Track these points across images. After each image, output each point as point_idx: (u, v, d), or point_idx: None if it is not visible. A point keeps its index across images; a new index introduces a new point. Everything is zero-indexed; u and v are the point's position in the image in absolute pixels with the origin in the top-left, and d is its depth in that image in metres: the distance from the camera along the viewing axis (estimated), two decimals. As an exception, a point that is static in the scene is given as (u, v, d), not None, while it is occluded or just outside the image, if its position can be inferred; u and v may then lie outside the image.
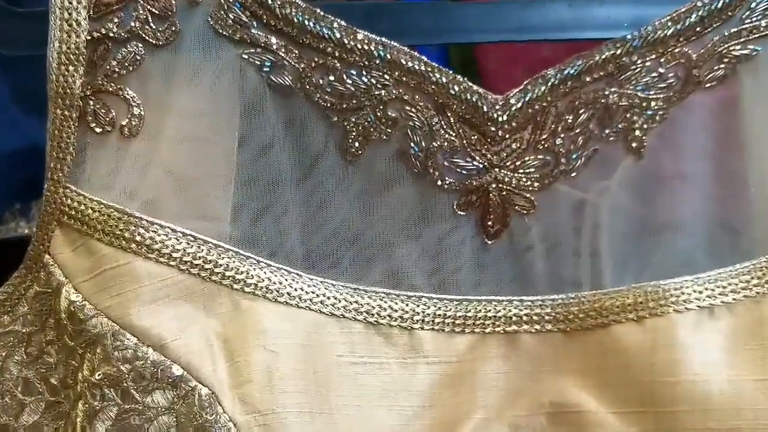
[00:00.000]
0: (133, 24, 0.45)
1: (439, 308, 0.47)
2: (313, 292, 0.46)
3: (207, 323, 0.44)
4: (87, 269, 0.45)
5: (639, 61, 0.45)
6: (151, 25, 0.45)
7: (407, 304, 0.47)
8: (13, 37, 0.47)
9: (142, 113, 0.46)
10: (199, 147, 0.46)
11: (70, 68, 0.45)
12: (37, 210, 0.79)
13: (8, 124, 0.81)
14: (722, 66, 0.46)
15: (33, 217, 0.81)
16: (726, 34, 0.46)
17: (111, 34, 0.45)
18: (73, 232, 0.46)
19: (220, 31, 0.45)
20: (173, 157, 0.45)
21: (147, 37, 0.45)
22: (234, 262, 0.45)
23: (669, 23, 0.45)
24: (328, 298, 0.46)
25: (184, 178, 0.45)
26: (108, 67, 0.45)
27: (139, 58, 0.45)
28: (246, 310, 0.45)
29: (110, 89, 0.45)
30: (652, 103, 0.46)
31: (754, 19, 0.45)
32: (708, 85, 0.46)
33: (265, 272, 0.46)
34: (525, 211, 0.47)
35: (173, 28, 0.45)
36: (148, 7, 0.45)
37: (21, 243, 0.76)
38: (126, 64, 0.45)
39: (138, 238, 0.45)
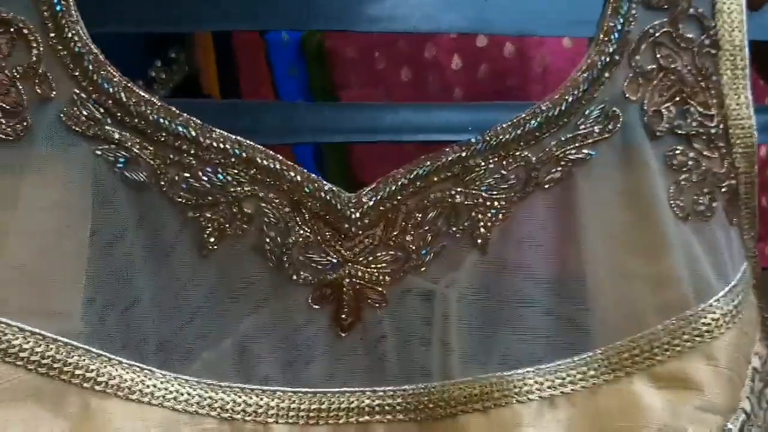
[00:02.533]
0: None
1: (294, 401, 0.48)
2: (165, 389, 0.46)
3: (56, 424, 0.44)
4: None
5: (482, 163, 0.48)
6: (1, 120, 0.45)
7: (261, 398, 0.47)
8: None
9: None
10: (50, 242, 0.45)
11: None
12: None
13: None
14: (559, 168, 0.49)
15: None
16: (563, 139, 0.49)
17: None
18: None
19: (73, 126, 0.45)
20: (22, 252, 0.45)
21: None
22: (84, 360, 0.45)
23: (510, 128, 0.48)
24: (182, 394, 0.46)
25: (32, 273, 0.45)
26: None
27: None
28: (95, 410, 0.44)
29: None
30: (495, 203, 0.48)
31: (588, 125, 0.49)
32: (546, 186, 0.49)
33: (116, 369, 0.45)
34: (377, 305, 0.48)
35: (24, 123, 0.45)
36: None
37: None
38: None
39: None
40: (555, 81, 0.83)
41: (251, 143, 0.47)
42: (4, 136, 0.45)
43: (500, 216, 0.49)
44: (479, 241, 0.49)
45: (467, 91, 0.84)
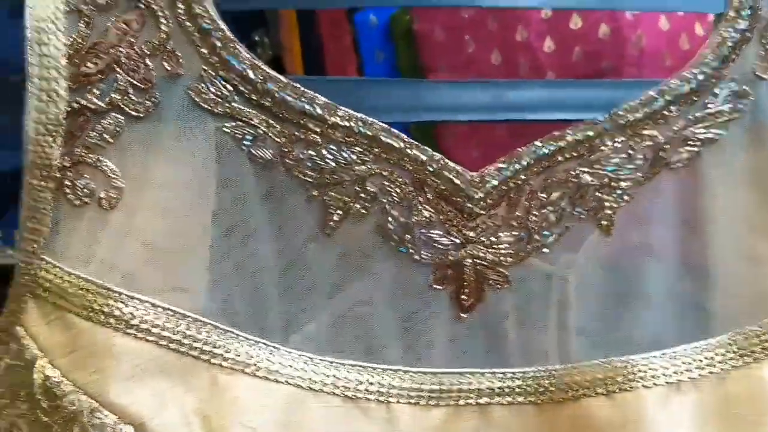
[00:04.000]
0: (113, 95, 0.45)
1: (414, 382, 0.47)
2: (291, 366, 0.46)
3: (185, 400, 0.44)
4: (63, 344, 0.44)
5: (609, 143, 0.47)
6: (131, 96, 0.45)
7: (383, 378, 0.47)
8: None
9: (121, 185, 0.45)
10: (177, 219, 0.45)
11: (48, 139, 0.44)
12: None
13: None
14: (688, 148, 0.48)
15: None
16: (691, 118, 0.48)
17: (91, 106, 0.45)
18: (48, 305, 0.45)
19: (201, 103, 0.45)
20: (151, 229, 0.45)
21: (127, 109, 0.45)
22: (212, 336, 0.45)
23: (638, 107, 0.47)
24: (306, 372, 0.46)
25: (161, 250, 0.45)
26: (87, 138, 0.45)
27: (118, 129, 0.45)
28: (224, 386, 0.44)
29: (89, 161, 0.45)
30: (621, 183, 0.47)
31: (718, 104, 0.48)
32: (674, 166, 0.48)
33: (243, 346, 0.46)
34: (499, 286, 0.47)
35: (153, 100, 0.45)
36: (128, 78, 0.45)
37: None
38: (105, 135, 0.45)
39: (117, 313, 0.44)
40: (651, 63, 0.81)
41: (375, 121, 0.47)
42: (134, 112, 0.45)
43: (626, 197, 0.48)
44: (604, 222, 0.48)
45: (560, 73, 0.83)
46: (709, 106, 0.48)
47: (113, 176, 0.45)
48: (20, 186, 0.81)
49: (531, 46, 0.81)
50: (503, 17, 0.80)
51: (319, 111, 0.46)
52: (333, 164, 0.46)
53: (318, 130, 0.46)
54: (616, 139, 0.47)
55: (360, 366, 0.47)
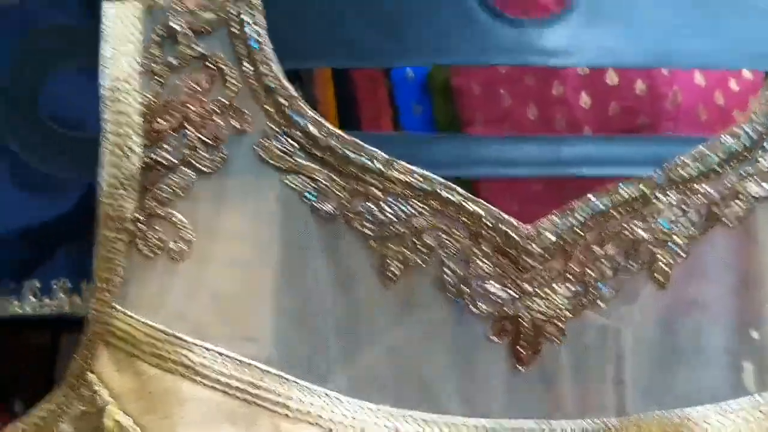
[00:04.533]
0: (184, 151, 0.47)
1: None
2: (352, 417, 0.47)
3: None
4: (133, 390, 0.45)
5: (663, 198, 0.48)
6: (201, 152, 0.47)
7: (441, 428, 0.48)
8: (63, 161, 0.48)
9: (191, 238, 0.46)
10: (244, 271, 0.47)
11: (122, 192, 0.46)
12: (30, 290, 0.79)
13: (5, 204, 0.81)
14: (740, 204, 0.48)
15: (24, 297, 0.81)
16: (743, 173, 0.49)
17: (163, 161, 0.46)
18: (119, 353, 0.46)
19: (267, 159, 0.47)
20: (219, 280, 0.46)
21: (196, 164, 0.47)
22: (276, 385, 0.46)
23: (691, 162, 0.48)
24: (366, 422, 0.47)
25: (228, 301, 0.46)
26: (159, 192, 0.46)
27: (189, 183, 0.47)
28: None
29: (161, 214, 0.46)
30: (676, 238, 0.48)
31: None
32: (727, 222, 0.48)
33: (305, 395, 0.46)
34: (555, 339, 0.48)
35: (221, 156, 0.47)
36: (198, 135, 0.47)
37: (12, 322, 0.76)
38: (176, 189, 0.46)
39: (186, 361, 0.45)
40: (687, 119, 0.82)
41: (434, 176, 0.48)
42: (203, 168, 0.47)
43: (680, 252, 0.49)
44: (659, 276, 0.49)
45: (596, 129, 0.84)
46: (760, 161, 0.49)
47: (183, 228, 0.46)
48: (57, 236, 0.83)
49: (567, 102, 0.82)
50: (540, 73, 0.82)
51: (379, 166, 0.47)
52: (392, 217, 0.47)
53: (378, 184, 0.47)
54: (670, 195, 0.48)
55: (420, 418, 0.48)
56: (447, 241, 0.48)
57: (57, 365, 0.90)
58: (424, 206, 0.47)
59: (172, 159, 0.47)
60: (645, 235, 0.48)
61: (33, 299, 0.84)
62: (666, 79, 0.82)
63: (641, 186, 0.48)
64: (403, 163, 0.48)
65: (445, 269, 0.48)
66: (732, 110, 0.85)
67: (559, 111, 0.84)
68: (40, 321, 0.85)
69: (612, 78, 0.83)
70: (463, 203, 0.47)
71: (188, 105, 0.47)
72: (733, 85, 0.85)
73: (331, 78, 0.95)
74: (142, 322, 0.46)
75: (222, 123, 0.47)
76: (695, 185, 0.48)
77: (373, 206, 0.47)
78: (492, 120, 0.87)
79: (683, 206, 0.48)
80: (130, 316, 0.46)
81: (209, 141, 0.47)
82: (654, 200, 0.48)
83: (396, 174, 0.47)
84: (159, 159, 0.46)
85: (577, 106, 0.83)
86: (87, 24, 0.47)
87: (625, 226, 0.48)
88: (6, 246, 0.83)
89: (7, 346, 0.95)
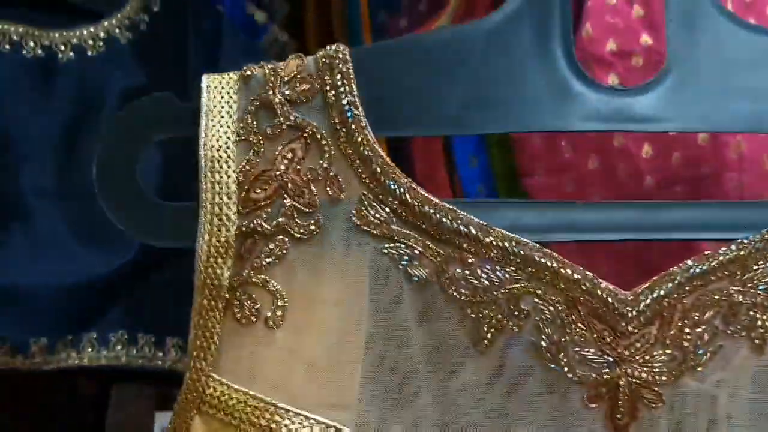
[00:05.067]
0: (279, 219, 0.47)
1: None
2: None
3: None
4: None
5: (761, 262, 0.48)
6: (297, 220, 0.47)
7: None
8: (157, 229, 0.48)
9: (286, 305, 0.46)
10: (337, 338, 0.47)
11: (219, 260, 0.46)
12: (89, 341, 0.79)
13: (65, 257, 0.82)
14: None
15: (83, 349, 0.82)
16: None
17: (259, 229, 0.47)
18: (214, 422, 0.46)
19: (362, 226, 0.47)
20: (313, 348, 0.46)
21: (292, 231, 0.47)
22: None
23: None
24: None
25: (322, 368, 0.46)
26: (255, 259, 0.47)
27: (284, 251, 0.47)
28: None
29: (257, 281, 0.47)
30: None
31: None
32: (826, 284, 0.48)
33: None
34: (653, 405, 0.47)
35: (317, 223, 0.47)
36: (294, 203, 0.47)
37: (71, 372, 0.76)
38: (272, 257, 0.47)
39: (284, 429, 0.45)
40: (751, 168, 0.82)
41: (529, 241, 0.48)
42: (299, 235, 0.47)
43: None
44: (757, 341, 0.48)
45: (659, 179, 0.84)
46: None
47: (278, 296, 0.47)
48: (115, 289, 0.84)
49: (629, 152, 0.82)
50: (600, 123, 0.81)
51: (474, 232, 0.47)
52: (487, 283, 0.47)
53: (473, 250, 0.47)
54: None
55: None
56: (543, 307, 0.47)
57: (108, 416, 0.90)
58: (520, 272, 0.47)
59: (267, 227, 0.47)
60: (743, 299, 0.48)
61: (90, 351, 0.85)
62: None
63: (739, 250, 0.48)
64: (499, 229, 0.47)
65: (542, 335, 0.47)
66: (797, 158, 0.84)
67: (621, 161, 0.84)
68: (93, 371, 0.86)
69: (674, 128, 0.82)
70: (560, 269, 0.47)
71: (284, 173, 0.47)
72: (799, 134, 0.84)
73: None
74: (239, 390, 0.46)
75: (317, 191, 0.47)
76: None
77: (468, 272, 0.47)
78: (552, 171, 0.87)
79: None
80: (226, 385, 0.46)
81: (305, 209, 0.47)
82: (752, 264, 0.48)
83: (491, 239, 0.47)
84: (255, 227, 0.47)
85: (638, 156, 0.83)
86: (183, 95, 0.47)
87: (724, 290, 0.48)
88: (65, 299, 0.84)
89: (61, 396, 0.96)
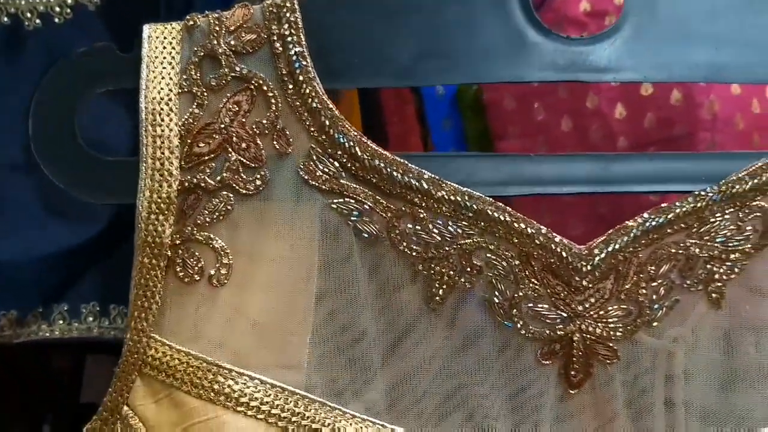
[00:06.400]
0: (224, 174, 0.46)
1: None
2: None
3: None
4: (172, 422, 0.44)
5: (718, 215, 0.47)
6: (242, 174, 0.46)
7: None
8: (100, 186, 0.47)
9: (231, 262, 0.45)
10: (284, 296, 0.46)
11: (160, 217, 0.45)
12: (59, 313, 0.79)
13: (34, 229, 0.81)
14: None
15: (54, 321, 0.81)
16: None
17: (202, 184, 0.45)
18: (156, 383, 0.45)
19: (310, 181, 0.46)
20: (259, 306, 0.45)
21: (237, 187, 0.46)
22: (320, 413, 0.45)
23: (746, 177, 0.47)
24: None
25: (268, 327, 0.45)
26: (198, 216, 0.45)
27: (229, 207, 0.46)
28: None
29: (200, 238, 0.45)
30: (731, 255, 0.47)
31: None
32: (785, 237, 0.47)
33: (350, 423, 0.45)
34: (608, 361, 0.47)
35: (263, 178, 0.46)
36: (239, 157, 0.46)
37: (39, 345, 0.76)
38: (216, 213, 0.45)
39: (227, 390, 0.44)
40: (724, 128, 0.81)
41: (482, 195, 0.47)
42: (244, 190, 0.46)
43: (736, 269, 0.47)
44: (714, 295, 0.47)
45: (632, 140, 0.83)
46: None
47: (223, 253, 0.45)
48: (85, 260, 0.83)
49: (602, 113, 0.81)
50: (573, 85, 0.81)
51: (425, 186, 0.46)
52: (438, 238, 0.46)
53: (424, 204, 0.46)
54: (725, 211, 0.47)
55: None
56: (495, 262, 0.46)
57: (83, 388, 0.90)
58: (472, 227, 0.46)
59: (211, 182, 0.46)
60: (700, 252, 0.47)
61: (62, 323, 0.84)
62: (702, 88, 0.81)
63: (696, 202, 0.47)
64: (450, 182, 0.46)
65: (494, 291, 0.46)
66: (769, 117, 0.84)
67: (594, 123, 0.83)
68: (66, 344, 0.85)
69: (647, 88, 0.81)
70: (513, 223, 0.46)
71: (229, 127, 0.46)
72: (769, 92, 0.83)
73: (357, 95, 0.94)
74: (182, 351, 0.45)
75: (263, 145, 0.46)
76: (751, 201, 0.47)
77: (419, 227, 0.46)
78: (525, 134, 0.86)
79: (739, 222, 0.47)
80: (168, 345, 0.45)
81: (250, 163, 0.46)
82: (710, 217, 0.47)
83: (443, 193, 0.46)
84: (198, 182, 0.45)
85: (612, 118, 0.82)
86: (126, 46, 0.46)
87: (680, 244, 0.47)
88: (36, 271, 0.83)
89: (35, 370, 0.95)
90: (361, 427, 0.45)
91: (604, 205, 0.75)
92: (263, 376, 0.44)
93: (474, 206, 0.46)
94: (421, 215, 0.46)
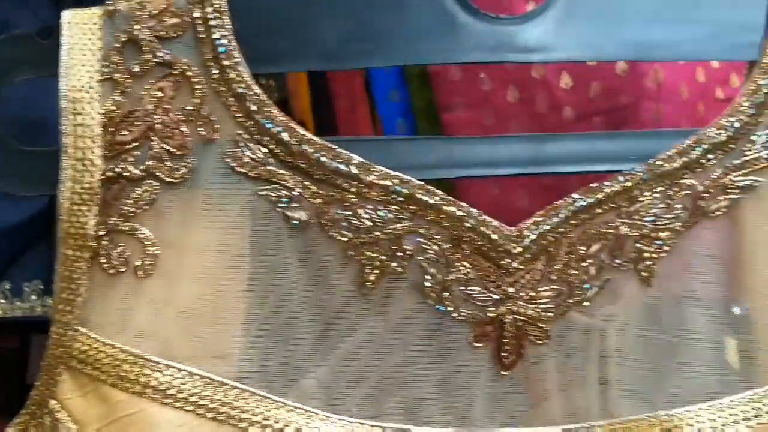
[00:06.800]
0: (148, 162, 0.45)
1: None
2: (329, 431, 0.45)
3: None
4: (99, 416, 0.43)
5: (647, 193, 0.47)
6: (167, 163, 0.45)
7: None
8: (21, 176, 0.46)
9: (157, 252, 0.45)
10: (214, 285, 0.45)
11: (83, 208, 0.44)
12: (1, 292, 0.78)
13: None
14: (726, 196, 0.47)
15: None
16: (729, 165, 0.47)
17: (126, 174, 0.45)
18: (83, 377, 0.44)
19: (236, 167, 0.45)
20: (188, 296, 0.45)
21: (162, 176, 0.45)
22: (249, 403, 0.45)
23: (675, 156, 0.47)
24: None
25: (198, 317, 0.45)
26: (122, 206, 0.45)
27: (154, 196, 0.45)
28: None
29: (124, 229, 0.45)
30: (661, 233, 0.47)
31: (755, 151, 0.47)
32: (713, 214, 0.47)
33: (280, 412, 0.45)
34: (539, 341, 0.47)
35: (189, 166, 0.45)
36: (164, 145, 0.45)
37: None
38: (141, 203, 0.45)
39: (153, 383, 0.43)
40: (669, 97, 0.81)
41: (412, 179, 0.46)
42: (169, 179, 0.45)
43: (666, 247, 0.47)
44: (644, 273, 0.47)
45: (578, 110, 0.83)
46: (747, 153, 0.48)
47: (148, 244, 0.45)
48: (28, 237, 0.81)
49: (548, 83, 0.81)
50: (519, 55, 0.80)
51: (354, 171, 0.45)
52: (369, 223, 0.46)
53: (354, 189, 0.46)
54: (655, 189, 0.47)
55: (399, 429, 0.46)
56: (426, 246, 0.46)
57: (29, 369, 0.89)
58: (403, 211, 0.46)
59: (135, 171, 0.45)
60: (630, 232, 0.47)
61: (3, 302, 0.83)
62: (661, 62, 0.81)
63: (625, 182, 0.47)
64: (380, 166, 0.46)
65: (425, 275, 0.46)
66: (714, 88, 0.84)
67: (540, 92, 0.83)
68: (10, 324, 0.84)
69: (593, 58, 0.81)
70: (443, 206, 0.46)
71: (153, 114, 0.45)
72: (714, 63, 0.84)
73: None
74: (107, 344, 0.44)
75: (189, 132, 0.45)
76: (680, 179, 0.47)
77: (349, 212, 0.46)
78: (471, 104, 0.86)
79: (668, 201, 0.47)
80: (94, 338, 0.44)
81: (175, 151, 0.45)
82: (639, 196, 0.47)
83: (372, 178, 0.46)
84: (122, 171, 0.45)
85: (557, 87, 0.82)
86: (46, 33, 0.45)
87: (610, 223, 0.47)
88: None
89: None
90: (292, 415, 0.45)
91: (549, 179, 0.75)
92: (192, 368, 0.44)
93: (404, 190, 0.46)
94: (351, 201, 0.45)
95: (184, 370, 0.44)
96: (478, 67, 0.83)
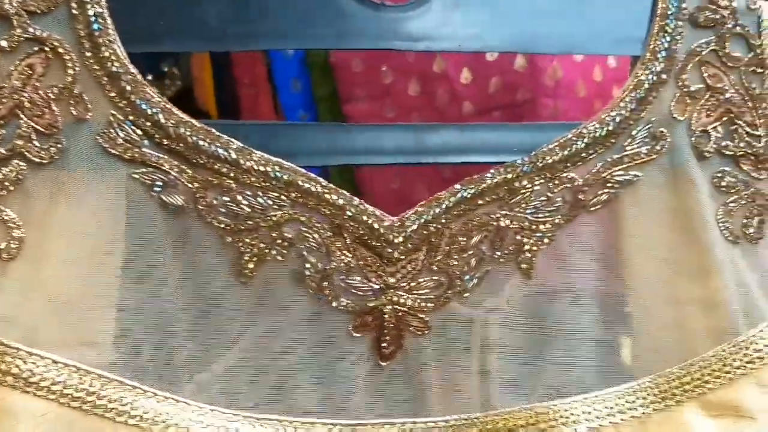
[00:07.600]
0: (15, 141, 0.43)
1: None
2: (201, 422, 0.44)
3: None
4: None
5: (528, 185, 0.47)
6: (35, 142, 0.43)
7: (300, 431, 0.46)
8: None
9: (23, 235, 0.43)
10: (83, 270, 0.43)
11: None
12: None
13: None
14: (606, 190, 0.48)
15: None
16: (609, 160, 0.48)
17: None
18: None
19: (109, 149, 0.44)
20: (55, 280, 0.43)
21: (30, 155, 0.43)
22: (117, 392, 0.43)
23: (557, 149, 0.47)
24: (218, 428, 0.44)
25: (65, 302, 0.43)
26: None
27: (20, 176, 0.43)
28: None
29: None
30: (541, 226, 0.47)
31: (635, 145, 0.48)
32: (593, 208, 0.48)
33: (150, 403, 0.44)
34: (419, 332, 0.47)
35: (58, 146, 0.43)
36: (32, 123, 0.43)
37: None
38: (6, 183, 0.43)
39: (15, 370, 0.42)
40: (566, 94, 0.82)
41: (292, 165, 0.45)
42: (37, 159, 0.43)
43: (546, 240, 0.48)
44: (524, 265, 0.47)
45: (477, 105, 0.83)
46: (627, 148, 0.48)
47: (14, 226, 0.43)
48: None
49: (448, 77, 0.81)
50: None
51: (233, 155, 0.44)
52: (248, 210, 0.44)
53: (232, 175, 0.44)
54: (536, 182, 0.47)
55: (276, 419, 0.45)
56: (307, 234, 0.45)
57: None
58: (283, 198, 0.45)
59: (1, 150, 0.43)
60: (510, 224, 0.47)
61: None
62: (546, 54, 0.82)
63: (507, 174, 0.47)
64: (260, 152, 0.45)
65: (305, 263, 0.45)
66: (611, 86, 0.86)
67: (440, 87, 0.83)
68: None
69: (492, 54, 0.82)
70: (324, 194, 0.45)
71: (21, 92, 0.43)
72: (612, 61, 0.85)
73: (209, 56, 0.92)
74: None
75: (59, 111, 0.43)
76: (561, 172, 0.47)
77: (227, 198, 0.44)
78: (372, 97, 0.85)
79: (549, 193, 0.47)
80: None
81: (44, 130, 0.43)
82: (520, 188, 0.47)
83: (252, 164, 0.44)
84: None
85: (457, 82, 0.82)
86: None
87: (491, 215, 0.47)
88: None
89: None
90: (162, 405, 0.44)
91: (449, 170, 0.75)
92: (57, 355, 0.42)
93: (284, 177, 0.45)
94: (230, 186, 0.44)
95: (47, 357, 0.42)
96: (380, 59, 0.83)
